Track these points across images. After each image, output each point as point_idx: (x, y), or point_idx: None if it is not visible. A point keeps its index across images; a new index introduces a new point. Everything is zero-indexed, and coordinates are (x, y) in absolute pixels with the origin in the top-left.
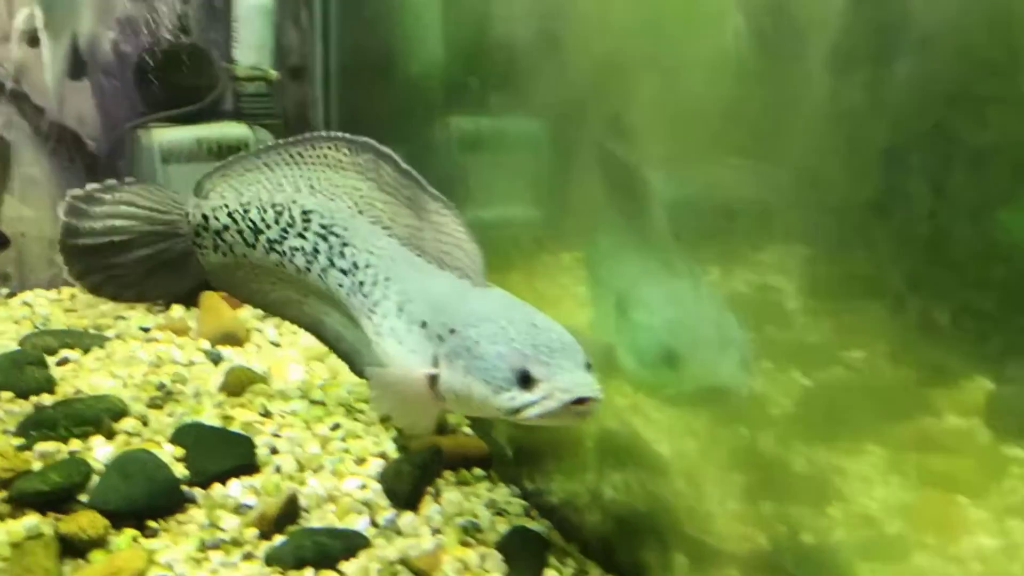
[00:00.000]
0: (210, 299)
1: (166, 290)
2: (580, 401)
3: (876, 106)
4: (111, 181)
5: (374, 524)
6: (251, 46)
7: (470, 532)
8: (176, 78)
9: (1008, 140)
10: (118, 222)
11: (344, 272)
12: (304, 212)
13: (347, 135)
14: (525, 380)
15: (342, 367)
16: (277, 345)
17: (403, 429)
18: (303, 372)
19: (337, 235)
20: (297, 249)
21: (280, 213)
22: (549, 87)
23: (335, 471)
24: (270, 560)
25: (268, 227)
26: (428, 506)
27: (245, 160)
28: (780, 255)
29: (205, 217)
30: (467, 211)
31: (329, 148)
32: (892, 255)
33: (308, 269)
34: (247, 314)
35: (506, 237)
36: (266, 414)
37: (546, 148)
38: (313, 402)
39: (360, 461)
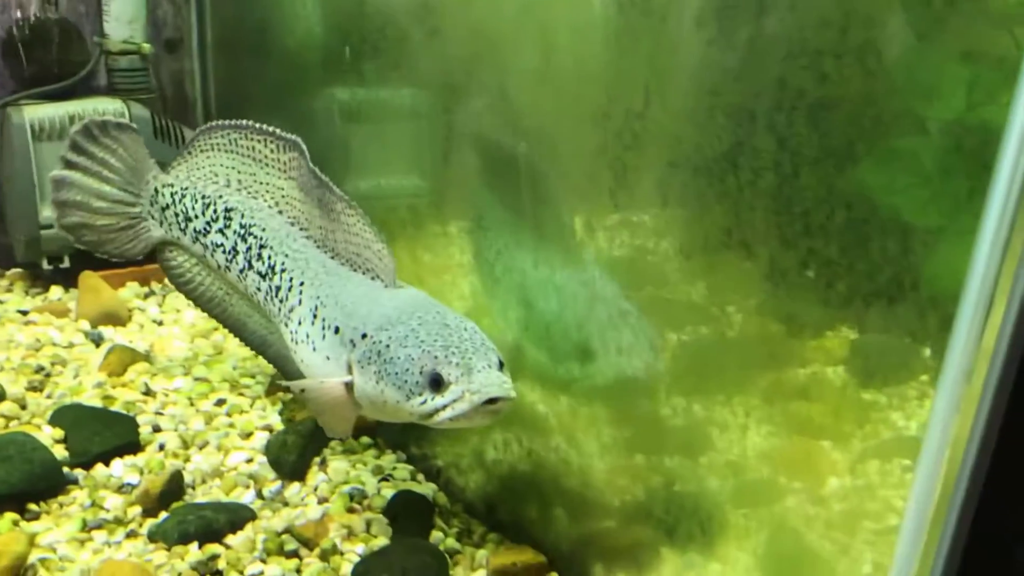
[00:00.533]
0: (90, 279)
1: (122, 251)
2: (492, 401)
3: (726, 63)
4: (118, 121)
5: (260, 496)
6: (123, 19)
7: (356, 499)
8: (46, 54)
9: (845, 93)
10: (106, 172)
11: (262, 276)
12: (227, 209)
13: (277, 131)
14: (436, 383)
15: (228, 343)
16: (160, 324)
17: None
18: (187, 349)
19: (256, 236)
20: (219, 246)
21: (207, 206)
22: (426, 57)
23: (220, 446)
24: (153, 536)
25: (196, 217)
26: (315, 476)
27: (205, 137)
28: (655, 217)
29: (156, 191)
30: (347, 182)
31: (258, 142)
32: (752, 213)
33: (228, 268)
34: (128, 293)
35: (385, 208)
36: (148, 393)
37: (425, 119)
38: (197, 379)
39: (246, 435)
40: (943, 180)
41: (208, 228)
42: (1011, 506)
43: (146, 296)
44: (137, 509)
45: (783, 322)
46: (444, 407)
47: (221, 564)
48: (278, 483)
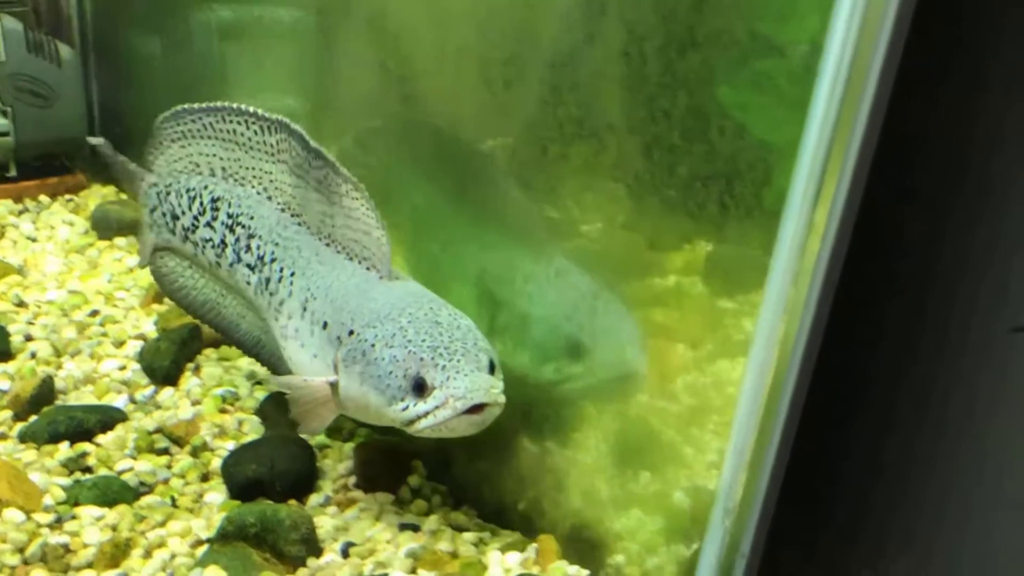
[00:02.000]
0: None
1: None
2: (478, 408)
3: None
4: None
5: (133, 401)
6: None
7: (228, 401)
8: None
9: (704, 20)
10: None
11: (251, 268)
12: (213, 200)
13: (259, 111)
14: (420, 387)
15: (104, 259)
16: (34, 240)
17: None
18: (61, 264)
19: (244, 226)
20: (207, 240)
21: (193, 199)
22: None
23: (93, 354)
24: (23, 437)
25: (183, 213)
26: (188, 380)
27: (169, 126)
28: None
29: (144, 193)
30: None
31: (239, 124)
32: (627, 133)
33: (218, 263)
34: (2, 210)
35: None
36: (21, 304)
37: (308, 38)
38: (71, 291)
39: (119, 344)
40: (796, 100)
41: (196, 223)
42: (834, 398)
43: (20, 213)
44: (8, 413)
45: (644, 235)
46: (426, 414)
47: (91, 461)
48: (151, 388)
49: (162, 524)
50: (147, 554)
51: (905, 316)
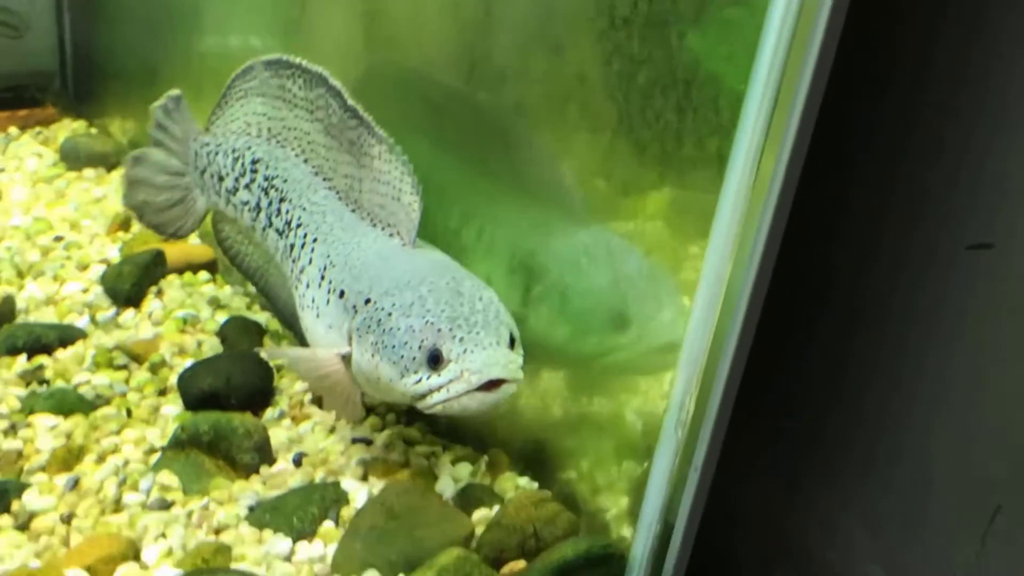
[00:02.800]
0: None
1: (176, 229)
2: (494, 384)
3: None
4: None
5: (94, 322)
6: None
7: (189, 322)
8: None
9: None
10: (169, 141)
11: (279, 233)
12: (253, 161)
13: (304, 63)
14: (435, 360)
15: (71, 189)
16: (1, 170)
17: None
18: (28, 193)
19: (277, 188)
20: (245, 203)
21: (236, 160)
22: None
23: (56, 277)
24: None
25: (227, 174)
26: (150, 303)
27: (241, 81)
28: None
29: (196, 153)
30: (195, 40)
31: (287, 78)
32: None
33: (254, 228)
34: None
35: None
36: None
37: None
38: (36, 218)
39: (83, 267)
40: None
41: (236, 185)
42: (790, 317)
43: None
44: None
45: (611, 182)
46: (439, 388)
47: (48, 374)
48: (112, 310)
49: (116, 433)
50: (100, 459)
51: (860, 237)
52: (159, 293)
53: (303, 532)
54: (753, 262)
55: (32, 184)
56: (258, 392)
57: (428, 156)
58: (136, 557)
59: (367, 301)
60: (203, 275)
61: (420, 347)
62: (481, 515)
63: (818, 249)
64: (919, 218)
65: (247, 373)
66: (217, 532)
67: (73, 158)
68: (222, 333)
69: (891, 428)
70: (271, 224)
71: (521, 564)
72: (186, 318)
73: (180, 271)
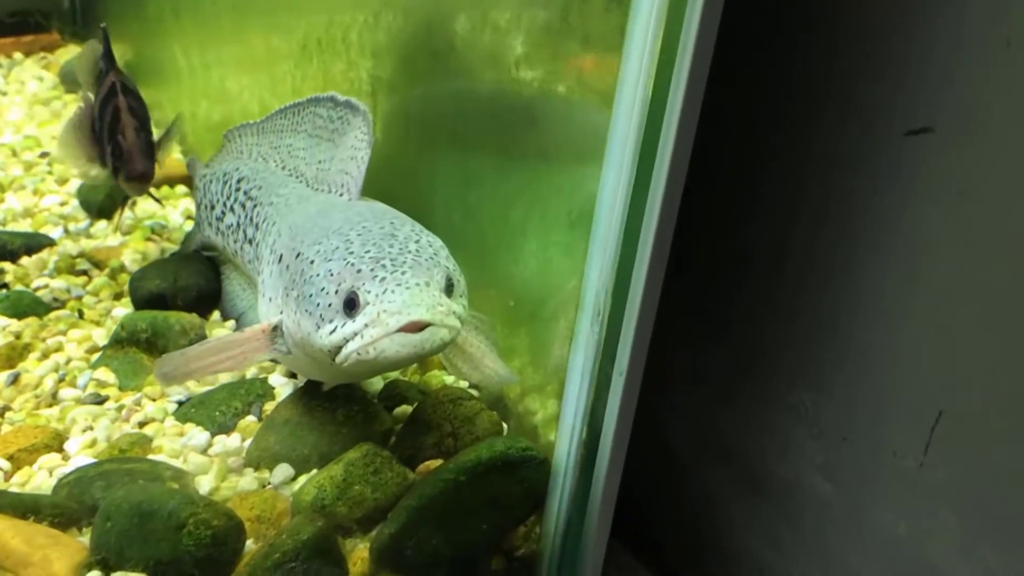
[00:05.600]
0: None
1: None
2: (420, 328)
3: None
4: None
5: (67, 232)
6: None
7: (156, 232)
8: None
9: None
10: None
11: (251, 242)
12: (239, 180)
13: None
14: (351, 304)
15: (67, 110)
16: (4, 94)
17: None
18: (23, 114)
19: (252, 197)
20: (231, 227)
21: (225, 183)
22: None
23: (36, 190)
24: None
25: (217, 201)
26: (124, 214)
27: (242, 127)
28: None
29: (197, 188)
30: None
31: (281, 118)
32: None
33: (235, 252)
34: None
35: None
36: None
37: None
38: (27, 136)
39: (62, 182)
40: None
41: (224, 209)
42: (722, 204)
43: None
44: None
45: None
46: (353, 335)
47: (8, 278)
48: (86, 221)
49: (63, 332)
50: (43, 356)
51: (794, 126)
52: (133, 205)
53: (224, 426)
54: (669, 134)
55: (29, 106)
56: (205, 294)
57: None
58: (60, 448)
59: (297, 256)
60: (180, 188)
61: (336, 291)
62: (403, 412)
63: (750, 133)
64: (854, 104)
65: (195, 274)
66: (142, 425)
67: (71, 81)
68: (186, 241)
69: (828, 331)
70: (247, 237)
71: (437, 463)
72: (153, 227)
73: (157, 184)
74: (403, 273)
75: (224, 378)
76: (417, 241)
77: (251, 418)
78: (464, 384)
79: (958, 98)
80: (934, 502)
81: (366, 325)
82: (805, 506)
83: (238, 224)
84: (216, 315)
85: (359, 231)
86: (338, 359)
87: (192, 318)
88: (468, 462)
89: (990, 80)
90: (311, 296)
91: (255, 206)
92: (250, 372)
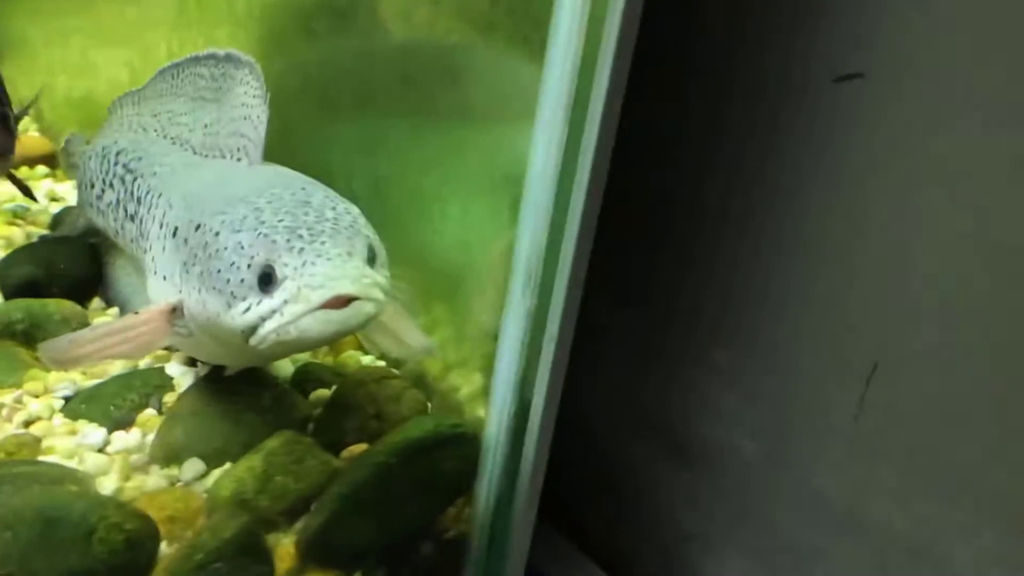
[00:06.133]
0: None
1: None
2: (342, 303)
3: None
4: None
5: None
6: None
7: (19, 215)
8: None
9: None
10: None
11: (132, 219)
12: (117, 153)
13: (191, 57)
14: (267, 280)
15: None
16: None
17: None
18: None
19: (132, 169)
20: (110, 204)
21: (103, 158)
22: None
23: None
24: None
25: (96, 179)
26: None
27: (126, 96)
28: None
29: (79, 167)
30: None
31: (161, 81)
32: None
33: (116, 232)
34: None
35: None
36: None
37: None
38: None
39: None
40: None
41: (103, 187)
42: (646, 160)
43: None
44: None
45: None
46: (271, 314)
47: None
48: None
49: None
50: None
51: (713, 71)
52: None
53: (120, 421)
54: (600, 91)
55: None
56: (83, 280)
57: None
58: None
59: (197, 228)
60: (41, 169)
61: (249, 266)
62: (320, 396)
63: (670, 89)
64: (776, 49)
65: (69, 259)
66: (28, 425)
67: None
68: (55, 223)
69: (747, 284)
70: (128, 214)
71: (363, 448)
72: (15, 210)
73: (17, 166)
74: (323, 243)
75: (116, 368)
76: (334, 208)
77: (151, 411)
78: (382, 363)
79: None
80: (870, 457)
81: (285, 302)
82: (729, 468)
83: (118, 200)
84: (96, 302)
85: (268, 198)
86: (253, 341)
87: (72, 306)
88: (398, 443)
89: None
90: (219, 272)
91: (135, 179)
92: (144, 362)
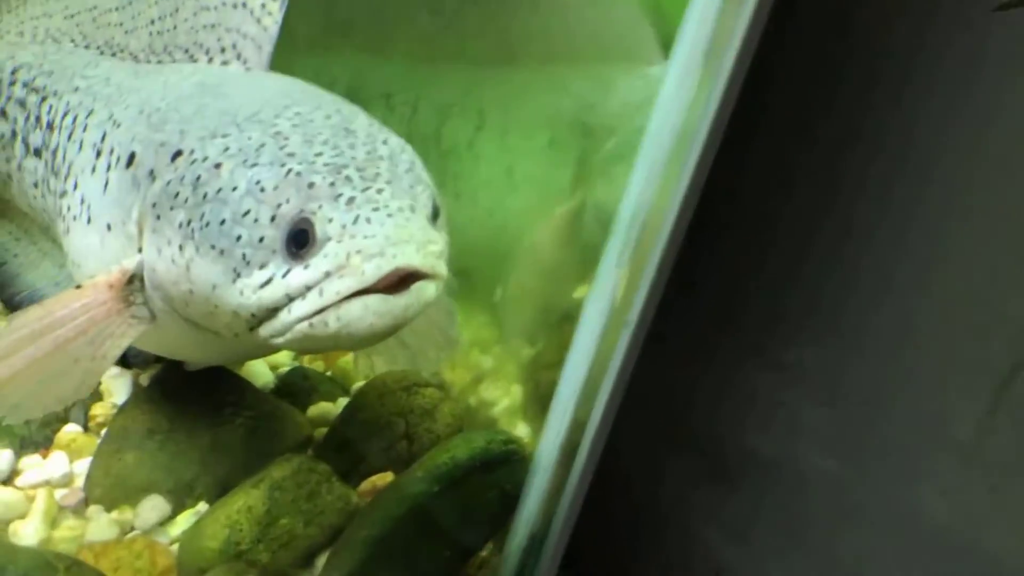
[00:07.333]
0: None
1: None
2: (403, 280)
3: None
4: None
5: None
6: None
7: None
8: None
9: None
10: None
11: (37, 154)
12: (13, 71)
13: None
14: (299, 240)
15: None
16: None
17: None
18: None
19: (38, 89)
20: (0, 142)
21: None
22: None
23: None
24: None
25: None
26: None
27: None
28: None
29: None
30: None
31: None
32: None
33: (8, 176)
34: None
35: None
36: None
37: None
38: None
39: None
40: None
41: None
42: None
43: None
44: None
45: None
46: (304, 291)
47: None
48: None
49: None
50: None
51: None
52: None
53: (31, 441)
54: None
55: None
56: None
57: None
58: None
59: (175, 156)
60: None
61: (274, 218)
62: (324, 411)
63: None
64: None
65: None
66: None
67: None
68: None
69: (847, 273)
70: (28, 150)
71: (388, 477)
72: None
73: None
74: (379, 191)
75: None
76: (385, 141)
77: (73, 427)
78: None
79: None
80: (995, 477)
81: (326, 274)
82: (789, 488)
83: (13, 133)
84: None
85: (293, 119)
86: (265, 331)
87: None
88: (442, 466)
89: None
90: (221, 224)
91: (43, 99)
92: None
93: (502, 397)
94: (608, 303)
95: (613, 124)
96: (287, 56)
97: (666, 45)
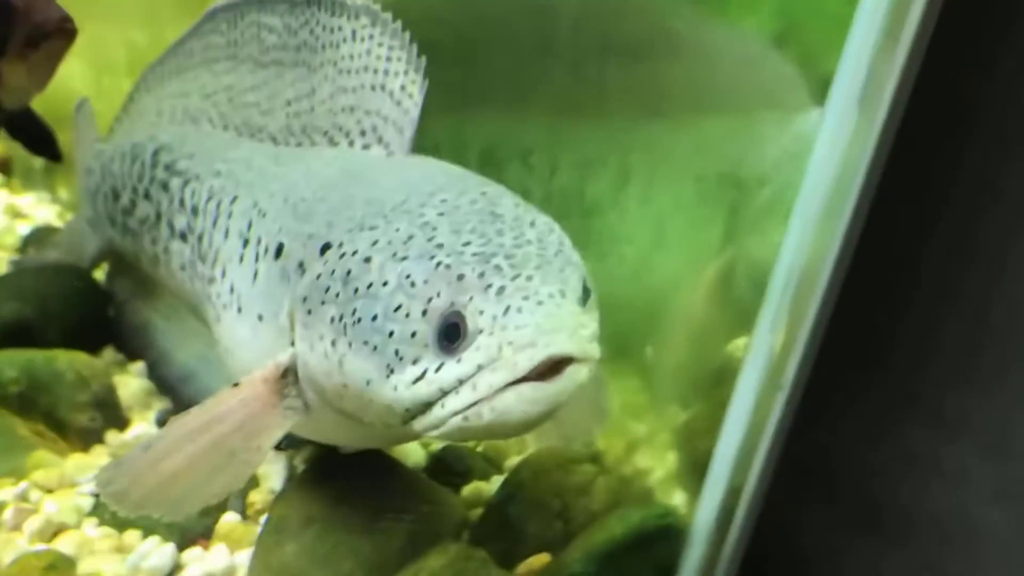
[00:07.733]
0: None
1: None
2: (554, 366)
3: None
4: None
5: None
6: None
7: None
8: None
9: None
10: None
11: (183, 237)
12: (155, 152)
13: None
14: (451, 334)
15: None
16: None
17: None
18: None
19: (180, 171)
20: (143, 222)
21: (135, 160)
22: None
23: None
24: None
25: (123, 187)
26: None
27: (151, 70)
28: None
29: (89, 171)
30: None
31: (211, 30)
32: None
33: (156, 259)
34: None
35: None
36: None
37: None
38: None
39: None
40: None
41: (134, 198)
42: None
43: None
44: None
45: None
46: (458, 385)
47: None
48: None
49: None
50: None
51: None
52: None
53: (190, 531)
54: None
55: None
56: (90, 322)
57: None
58: None
59: (324, 248)
60: None
61: (425, 312)
62: (478, 491)
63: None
64: None
65: (67, 293)
66: (51, 537)
67: None
68: (27, 242)
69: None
70: (173, 231)
71: (544, 559)
72: None
73: None
74: (529, 278)
75: None
76: (532, 223)
77: (232, 516)
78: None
79: None
80: None
81: (479, 367)
82: (951, 541)
83: (158, 215)
84: (110, 354)
85: (439, 208)
86: (420, 426)
87: (86, 359)
88: (600, 545)
89: None
90: (373, 320)
91: (186, 183)
92: None
93: (657, 466)
94: (764, 368)
95: (764, 176)
96: (421, 119)
97: (814, 92)
